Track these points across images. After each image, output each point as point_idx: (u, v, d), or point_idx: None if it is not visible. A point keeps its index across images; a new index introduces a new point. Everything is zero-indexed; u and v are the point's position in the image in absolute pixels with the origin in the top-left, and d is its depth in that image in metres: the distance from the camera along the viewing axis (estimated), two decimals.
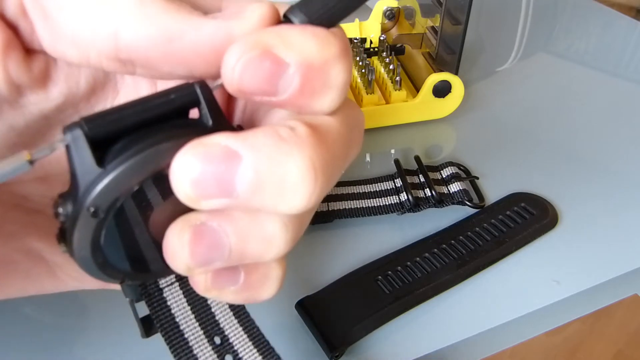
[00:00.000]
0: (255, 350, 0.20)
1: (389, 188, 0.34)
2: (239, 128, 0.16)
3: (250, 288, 0.17)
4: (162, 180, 0.15)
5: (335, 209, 0.33)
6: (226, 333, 0.19)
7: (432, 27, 0.41)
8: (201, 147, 0.14)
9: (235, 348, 0.19)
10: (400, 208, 0.33)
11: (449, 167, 0.36)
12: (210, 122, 0.15)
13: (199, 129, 0.15)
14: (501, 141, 0.40)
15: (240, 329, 0.20)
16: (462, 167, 0.36)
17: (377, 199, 0.34)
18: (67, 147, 0.14)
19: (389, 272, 0.29)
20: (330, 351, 0.26)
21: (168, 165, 0.14)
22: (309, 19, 0.15)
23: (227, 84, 0.14)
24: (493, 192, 0.35)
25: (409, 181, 0.34)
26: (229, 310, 0.20)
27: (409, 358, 0.26)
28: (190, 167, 0.14)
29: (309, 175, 0.14)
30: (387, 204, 0.33)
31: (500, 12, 0.58)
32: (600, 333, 0.28)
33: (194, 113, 0.15)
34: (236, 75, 0.14)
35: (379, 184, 0.35)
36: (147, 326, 0.19)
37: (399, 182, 0.34)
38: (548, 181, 0.36)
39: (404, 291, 0.28)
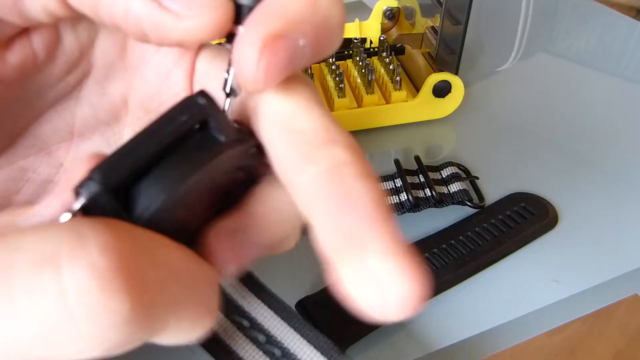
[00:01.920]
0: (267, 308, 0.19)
1: (389, 188, 0.34)
2: (240, 127, 0.16)
3: None
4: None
5: None
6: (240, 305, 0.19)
7: (432, 27, 0.41)
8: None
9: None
10: (400, 208, 0.33)
11: (449, 167, 0.36)
12: (222, 138, 0.14)
13: (218, 145, 0.14)
14: (501, 141, 0.40)
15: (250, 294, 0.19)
16: (462, 167, 0.36)
17: None
18: (88, 201, 0.13)
19: None
20: None
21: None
22: None
23: (252, 83, 0.13)
24: (493, 192, 0.35)
25: (409, 181, 0.34)
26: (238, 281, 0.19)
27: (408, 358, 0.26)
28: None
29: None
30: None
31: (500, 12, 0.58)
32: (600, 333, 0.28)
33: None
34: (261, 70, 0.13)
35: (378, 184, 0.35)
36: None
37: (399, 182, 0.34)
38: (548, 181, 0.36)
39: None
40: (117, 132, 0.19)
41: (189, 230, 0.16)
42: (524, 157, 0.39)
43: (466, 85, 0.40)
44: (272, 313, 0.19)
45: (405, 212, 0.33)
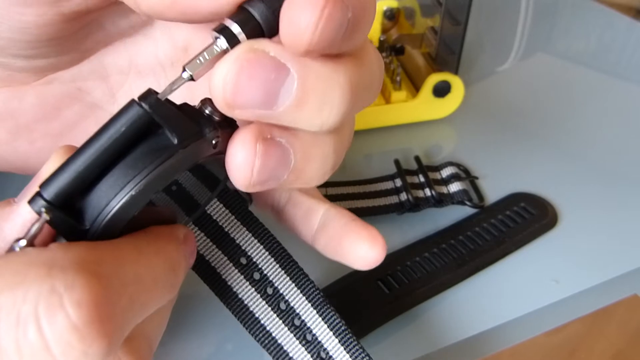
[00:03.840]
0: (277, 264, 0.21)
1: (389, 188, 0.34)
2: (208, 118, 0.15)
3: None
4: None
5: None
6: (249, 254, 0.20)
7: (432, 27, 0.41)
8: (252, 54, 0.13)
9: (260, 265, 0.20)
10: (400, 208, 0.33)
11: (449, 167, 0.36)
12: (175, 140, 0.14)
13: (168, 148, 0.14)
14: (501, 141, 0.40)
15: (261, 247, 0.20)
16: (462, 167, 0.36)
17: (377, 199, 0.34)
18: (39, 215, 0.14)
19: (389, 272, 0.29)
20: None
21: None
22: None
23: (307, 37, 0.13)
24: (493, 192, 0.35)
25: (408, 181, 0.34)
26: (249, 233, 0.21)
27: (409, 358, 0.26)
28: (236, 71, 0.13)
29: (347, 94, 0.14)
30: (387, 204, 0.33)
31: (500, 11, 0.58)
32: (600, 333, 0.28)
33: None
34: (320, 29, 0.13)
35: (379, 184, 0.35)
36: None
37: (399, 182, 0.34)
38: (548, 181, 0.36)
39: (404, 291, 0.28)
40: (169, 77, 0.21)
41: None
42: (524, 157, 0.39)
43: (466, 85, 0.40)
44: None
45: (405, 212, 0.33)
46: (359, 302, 0.28)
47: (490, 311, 0.28)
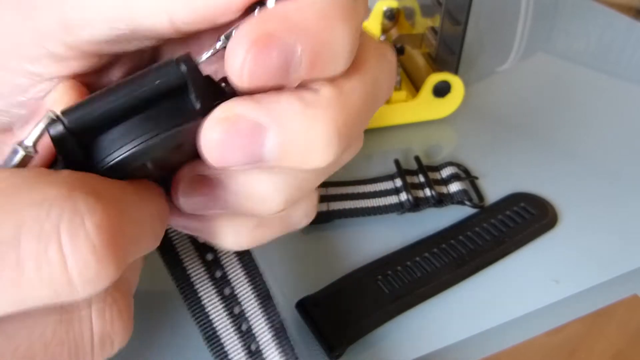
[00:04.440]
0: (248, 284, 0.21)
1: (389, 188, 0.34)
2: (225, 90, 0.15)
3: None
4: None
5: (335, 209, 0.33)
6: (225, 269, 0.21)
7: (432, 27, 0.41)
8: (226, 123, 0.14)
9: (232, 283, 0.21)
10: (400, 208, 0.33)
11: (449, 167, 0.36)
12: (197, 106, 0.15)
13: (189, 112, 0.15)
14: (501, 141, 0.40)
15: (238, 266, 0.21)
16: (461, 167, 0.36)
17: (377, 199, 0.34)
18: (52, 139, 0.14)
19: (389, 272, 0.29)
20: (330, 351, 0.26)
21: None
22: None
23: (237, 81, 0.14)
24: (493, 192, 0.35)
25: (408, 181, 0.34)
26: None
27: (409, 358, 0.26)
28: (218, 142, 0.14)
29: (334, 139, 0.14)
30: (387, 204, 0.33)
31: (500, 12, 0.58)
32: (600, 333, 0.28)
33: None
34: (246, 72, 0.14)
35: (379, 184, 0.35)
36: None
37: (399, 182, 0.34)
38: (548, 181, 0.36)
39: (404, 291, 0.28)
40: None
41: (165, 171, 0.17)
42: (524, 157, 0.39)
43: (466, 85, 0.40)
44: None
45: (405, 212, 0.33)
46: (359, 302, 0.28)
47: (490, 311, 0.28)
